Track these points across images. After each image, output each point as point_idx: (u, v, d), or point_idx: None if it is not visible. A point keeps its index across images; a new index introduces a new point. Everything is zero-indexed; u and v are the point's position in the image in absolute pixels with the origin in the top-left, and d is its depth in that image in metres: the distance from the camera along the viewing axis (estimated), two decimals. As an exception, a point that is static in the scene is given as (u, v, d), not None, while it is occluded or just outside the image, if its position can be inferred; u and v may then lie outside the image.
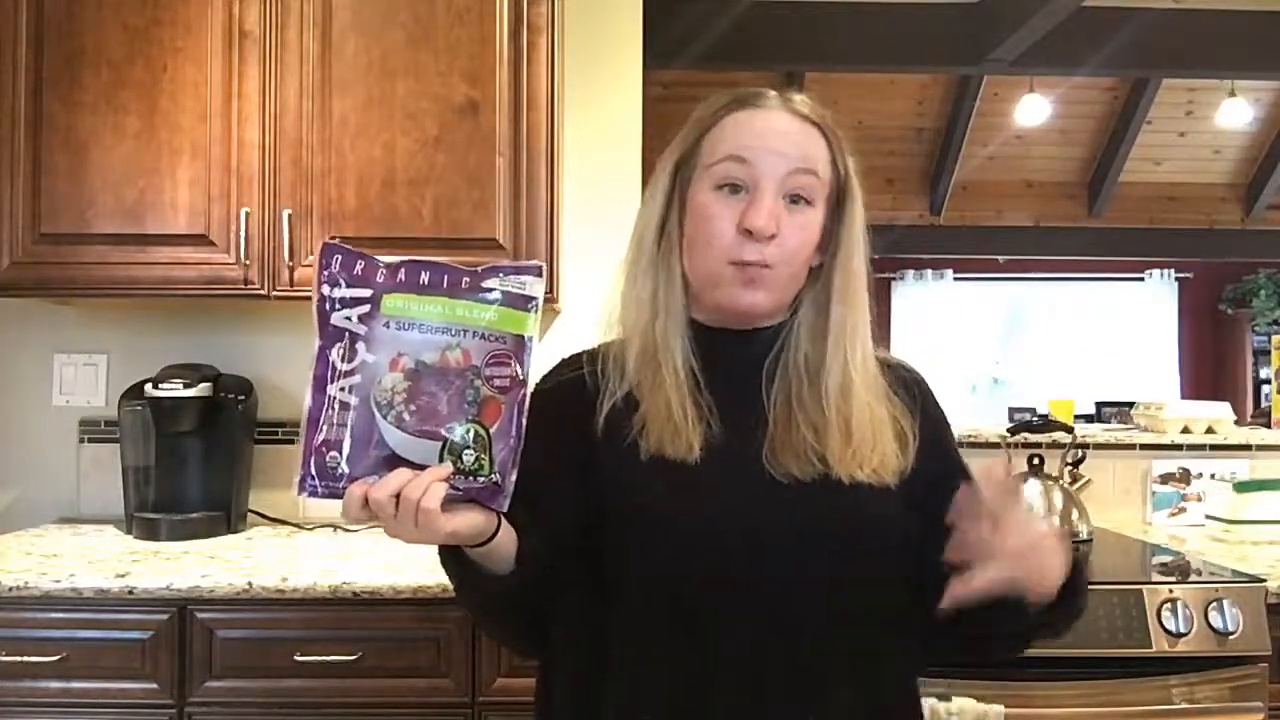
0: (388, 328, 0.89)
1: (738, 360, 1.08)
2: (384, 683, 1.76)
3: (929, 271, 8.48)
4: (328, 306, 0.90)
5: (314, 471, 0.89)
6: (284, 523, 2.32)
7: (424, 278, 0.91)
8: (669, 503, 1.00)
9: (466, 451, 0.89)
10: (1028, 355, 8.58)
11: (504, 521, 0.94)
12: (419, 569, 1.85)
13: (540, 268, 0.93)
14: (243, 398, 2.24)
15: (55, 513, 2.37)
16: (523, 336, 0.91)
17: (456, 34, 2.08)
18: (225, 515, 2.19)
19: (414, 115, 2.07)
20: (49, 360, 2.40)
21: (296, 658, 1.75)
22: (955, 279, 8.53)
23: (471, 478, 0.89)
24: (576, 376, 1.08)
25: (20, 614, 1.75)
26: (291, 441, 2.40)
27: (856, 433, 1.03)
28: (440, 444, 0.89)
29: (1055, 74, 6.23)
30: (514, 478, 0.90)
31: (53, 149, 2.05)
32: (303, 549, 2.06)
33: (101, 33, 2.05)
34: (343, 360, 0.89)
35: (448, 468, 0.88)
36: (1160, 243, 7.85)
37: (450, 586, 1.01)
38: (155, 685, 1.75)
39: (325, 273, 0.90)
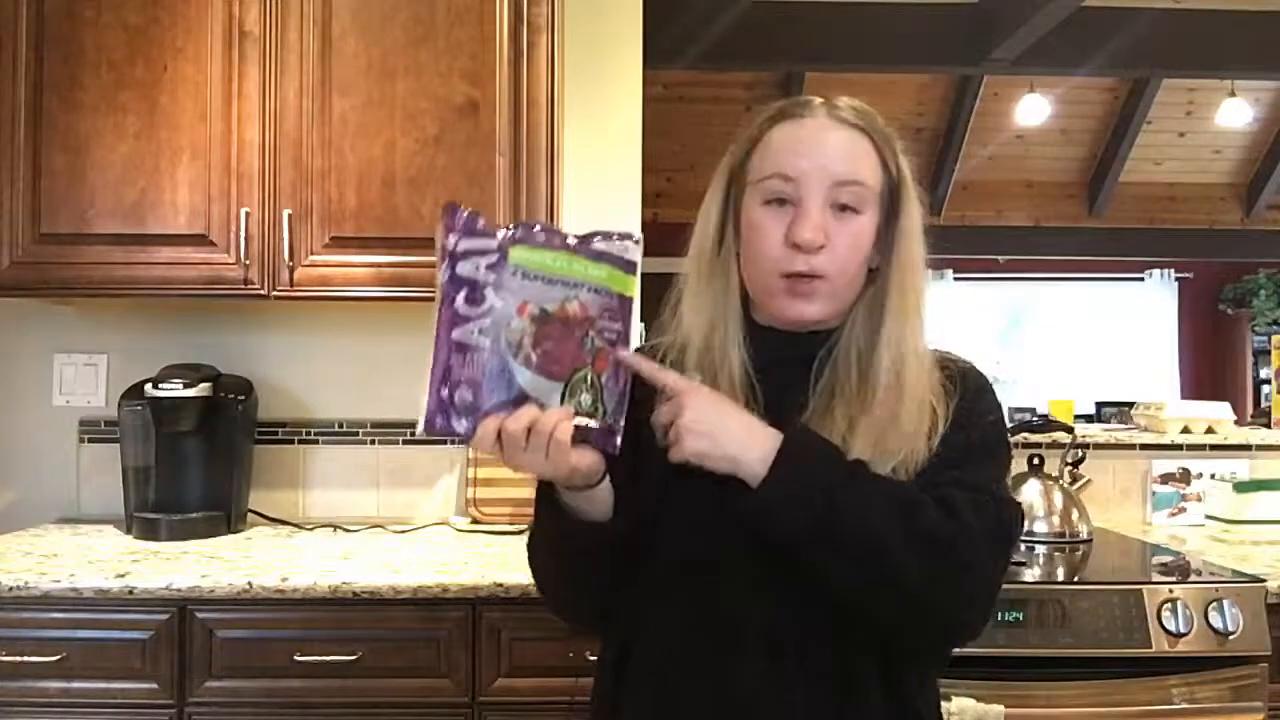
0: (515, 276, 0.96)
1: (793, 359, 1.09)
2: (384, 683, 1.76)
3: (929, 271, 8.46)
4: (455, 257, 0.96)
5: (444, 407, 0.94)
6: (284, 523, 2.32)
7: (540, 235, 0.97)
8: (701, 490, 1.01)
9: (584, 395, 0.96)
10: (1028, 355, 8.57)
11: (608, 478, 0.99)
12: (419, 569, 1.85)
13: (639, 237, 0.99)
14: (243, 398, 2.24)
15: (55, 513, 2.37)
16: (627, 297, 0.97)
17: (456, 34, 2.08)
18: (225, 515, 2.19)
19: (414, 115, 2.07)
20: (49, 360, 2.40)
21: (296, 658, 1.75)
22: (955, 279, 8.51)
23: (590, 421, 0.95)
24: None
25: (20, 614, 1.75)
26: (291, 442, 2.40)
27: (904, 427, 1.03)
28: (562, 385, 0.95)
29: (1055, 74, 6.24)
30: (623, 423, 0.97)
31: (53, 149, 2.05)
32: (303, 549, 2.06)
33: (101, 33, 2.05)
34: (470, 305, 0.95)
35: (570, 409, 0.95)
36: (1160, 243, 7.85)
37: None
38: (155, 685, 1.75)
39: (449, 224, 0.96)
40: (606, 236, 0.98)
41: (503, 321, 0.95)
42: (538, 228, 0.98)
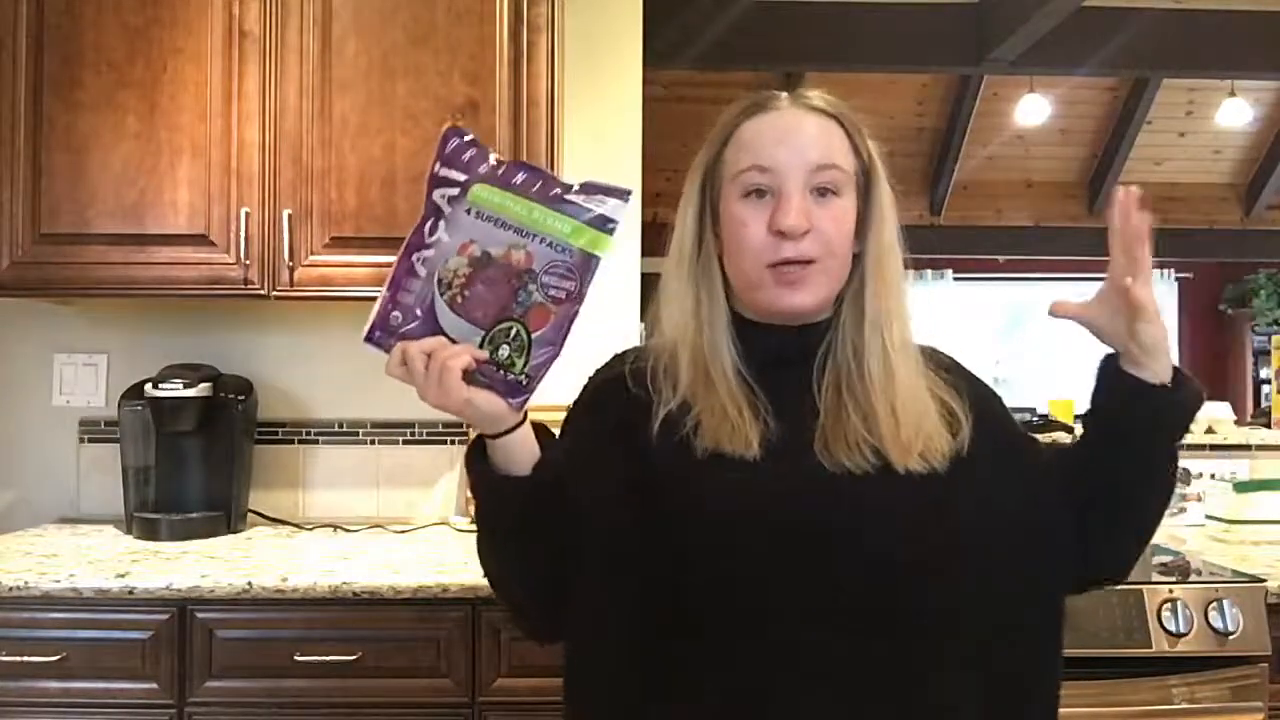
0: (468, 214, 0.94)
1: (789, 356, 1.08)
2: (384, 683, 1.76)
3: (929, 271, 8.47)
4: (434, 183, 0.96)
5: (378, 325, 0.95)
6: (284, 523, 2.32)
7: (518, 178, 0.95)
8: (728, 498, 1.00)
9: (503, 346, 0.93)
10: (1028, 355, 8.57)
11: (531, 435, 0.97)
12: (419, 569, 1.85)
13: (629, 193, 0.96)
14: (243, 398, 2.24)
15: (55, 513, 2.37)
16: (592, 255, 0.94)
17: (456, 34, 2.08)
18: (225, 515, 2.19)
19: (414, 115, 2.07)
20: (49, 360, 2.40)
21: (296, 658, 1.75)
22: (955, 279, 8.51)
23: (502, 371, 0.93)
24: (627, 371, 1.09)
25: (20, 614, 1.75)
26: (291, 442, 2.40)
27: (903, 417, 1.03)
28: (482, 333, 0.93)
29: (1055, 74, 6.23)
30: (540, 384, 0.94)
31: (53, 149, 2.05)
32: (303, 549, 2.06)
33: (101, 33, 2.05)
34: (428, 234, 0.95)
35: (482, 354, 0.93)
36: (1160, 243, 7.76)
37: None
38: (155, 685, 1.75)
39: (441, 152, 0.96)
40: (591, 190, 0.95)
41: (443, 256, 0.94)
42: (523, 172, 0.95)
